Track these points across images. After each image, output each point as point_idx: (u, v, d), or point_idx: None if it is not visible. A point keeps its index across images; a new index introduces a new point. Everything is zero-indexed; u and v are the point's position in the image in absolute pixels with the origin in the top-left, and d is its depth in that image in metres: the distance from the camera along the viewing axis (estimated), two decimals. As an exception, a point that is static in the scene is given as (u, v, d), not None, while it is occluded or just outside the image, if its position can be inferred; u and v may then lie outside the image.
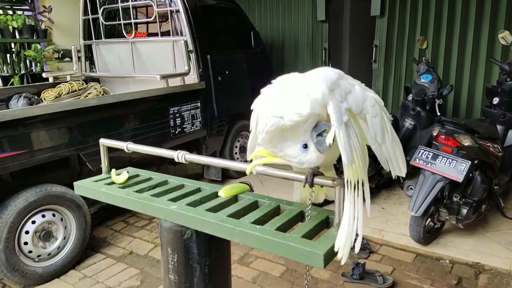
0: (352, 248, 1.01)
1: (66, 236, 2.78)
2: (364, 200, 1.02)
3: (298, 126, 0.97)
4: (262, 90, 1.09)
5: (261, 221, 1.18)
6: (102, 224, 3.47)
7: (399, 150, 1.13)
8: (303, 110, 0.95)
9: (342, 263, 1.00)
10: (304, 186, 1.14)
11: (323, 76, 0.99)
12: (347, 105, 0.99)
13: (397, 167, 1.13)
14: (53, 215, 2.71)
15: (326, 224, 1.19)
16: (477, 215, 2.94)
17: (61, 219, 2.75)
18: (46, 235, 2.67)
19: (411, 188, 2.92)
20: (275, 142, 0.99)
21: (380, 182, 3.74)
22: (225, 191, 1.36)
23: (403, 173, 1.15)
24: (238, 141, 4.47)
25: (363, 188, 1.01)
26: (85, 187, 1.48)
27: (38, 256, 2.65)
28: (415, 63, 4.16)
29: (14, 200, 2.49)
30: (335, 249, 0.99)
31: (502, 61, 3.64)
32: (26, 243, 2.58)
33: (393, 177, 1.17)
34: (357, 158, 0.97)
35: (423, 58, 4.06)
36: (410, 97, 3.91)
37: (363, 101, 1.04)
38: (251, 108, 1.13)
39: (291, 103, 0.96)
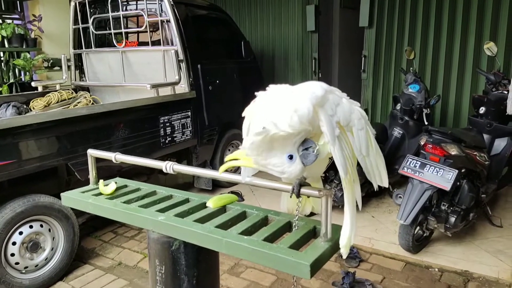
0: (341, 256, 1.06)
1: (54, 247, 2.74)
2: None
3: (289, 138, 1.00)
4: (256, 94, 1.12)
5: (248, 232, 1.18)
6: (90, 235, 3.44)
7: (382, 163, 1.16)
8: (296, 124, 0.98)
9: (344, 257, 1.12)
10: (291, 197, 1.15)
11: (309, 93, 1.02)
12: (337, 118, 1.02)
13: (379, 179, 1.17)
14: (41, 225, 2.67)
15: (313, 234, 1.20)
16: (465, 223, 2.97)
17: (49, 230, 2.72)
18: (33, 246, 2.63)
19: (400, 197, 2.95)
20: (261, 150, 1.01)
21: (370, 190, 3.76)
22: (213, 202, 1.36)
23: (385, 184, 1.18)
24: (229, 150, 4.47)
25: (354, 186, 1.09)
26: (72, 198, 1.47)
27: (25, 267, 2.61)
28: (403, 73, 4.22)
29: (1, 210, 2.45)
30: (340, 247, 1.08)
31: (488, 71, 3.71)
32: (13, 255, 2.53)
33: (375, 188, 1.21)
34: (350, 167, 1.04)
35: (411, 68, 4.12)
36: (398, 106, 3.95)
37: (350, 113, 1.07)
38: (243, 115, 1.14)
39: (282, 115, 0.99)
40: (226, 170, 1.13)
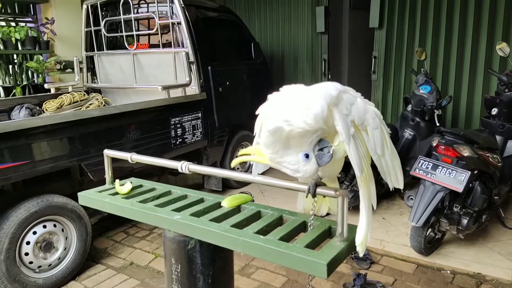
0: (353, 258, 1.08)
1: (66, 247, 2.77)
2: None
3: (305, 136, 1.01)
4: (269, 96, 1.12)
5: (264, 231, 1.19)
6: (102, 235, 3.47)
7: (398, 163, 1.16)
8: (311, 121, 0.98)
9: (361, 255, 1.17)
10: (306, 196, 1.15)
11: (323, 92, 1.03)
12: (352, 117, 1.03)
13: (395, 180, 1.16)
14: (54, 225, 2.70)
15: (328, 234, 1.20)
16: (477, 225, 2.94)
17: (62, 230, 2.75)
18: (47, 245, 2.66)
19: (411, 198, 2.93)
20: (277, 148, 1.02)
21: (381, 192, 3.74)
22: (228, 201, 1.37)
23: (401, 186, 1.18)
24: (239, 151, 4.47)
25: (370, 186, 1.09)
26: (89, 198, 1.49)
27: (39, 267, 2.64)
28: (414, 74, 4.20)
29: (15, 210, 2.49)
30: (356, 245, 1.08)
31: (500, 72, 3.67)
32: (27, 254, 2.57)
33: (391, 189, 1.21)
34: (365, 166, 1.05)
35: (422, 69, 4.10)
36: (409, 107, 3.93)
37: (364, 113, 1.07)
38: (257, 113, 1.15)
39: (297, 113, 0.99)
40: (236, 168, 1.14)
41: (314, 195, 1.12)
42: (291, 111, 1.01)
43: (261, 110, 1.14)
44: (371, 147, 1.08)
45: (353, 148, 1.01)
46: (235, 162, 1.13)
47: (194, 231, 1.22)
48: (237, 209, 1.36)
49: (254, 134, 1.16)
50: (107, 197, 1.45)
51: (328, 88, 1.05)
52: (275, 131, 0.98)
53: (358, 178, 1.05)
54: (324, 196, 1.24)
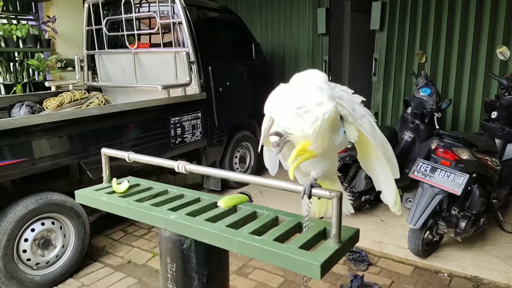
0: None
1: (65, 245, 2.78)
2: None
3: (337, 116, 1.06)
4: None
5: (259, 232, 1.19)
6: (101, 233, 3.47)
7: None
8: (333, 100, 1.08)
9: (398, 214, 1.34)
10: (302, 198, 1.16)
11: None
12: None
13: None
14: (53, 223, 2.71)
15: (323, 235, 1.20)
16: (475, 228, 2.95)
17: (60, 227, 2.75)
18: (45, 243, 2.67)
19: (409, 201, 2.93)
20: (325, 133, 1.02)
21: (379, 194, 3.74)
22: (224, 202, 1.38)
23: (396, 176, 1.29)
24: (238, 151, 4.49)
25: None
26: (86, 196, 1.50)
27: (37, 264, 2.65)
28: (414, 77, 4.21)
29: (14, 207, 2.50)
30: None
31: (500, 76, 3.68)
32: (25, 251, 2.58)
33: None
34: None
35: (422, 72, 4.10)
36: (409, 110, 3.93)
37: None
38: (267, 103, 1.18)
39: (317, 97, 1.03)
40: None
41: (309, 197, 1.13)
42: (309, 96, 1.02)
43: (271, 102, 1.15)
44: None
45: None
46: (292, 170, 1.08)
47: (190, 231, 1.22)
48: (233, 209, 1.37)
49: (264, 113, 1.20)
50: (104, 196, 1.46)
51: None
52: (320, 119, 0.99)
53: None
54: (319, 198, 1.24)
